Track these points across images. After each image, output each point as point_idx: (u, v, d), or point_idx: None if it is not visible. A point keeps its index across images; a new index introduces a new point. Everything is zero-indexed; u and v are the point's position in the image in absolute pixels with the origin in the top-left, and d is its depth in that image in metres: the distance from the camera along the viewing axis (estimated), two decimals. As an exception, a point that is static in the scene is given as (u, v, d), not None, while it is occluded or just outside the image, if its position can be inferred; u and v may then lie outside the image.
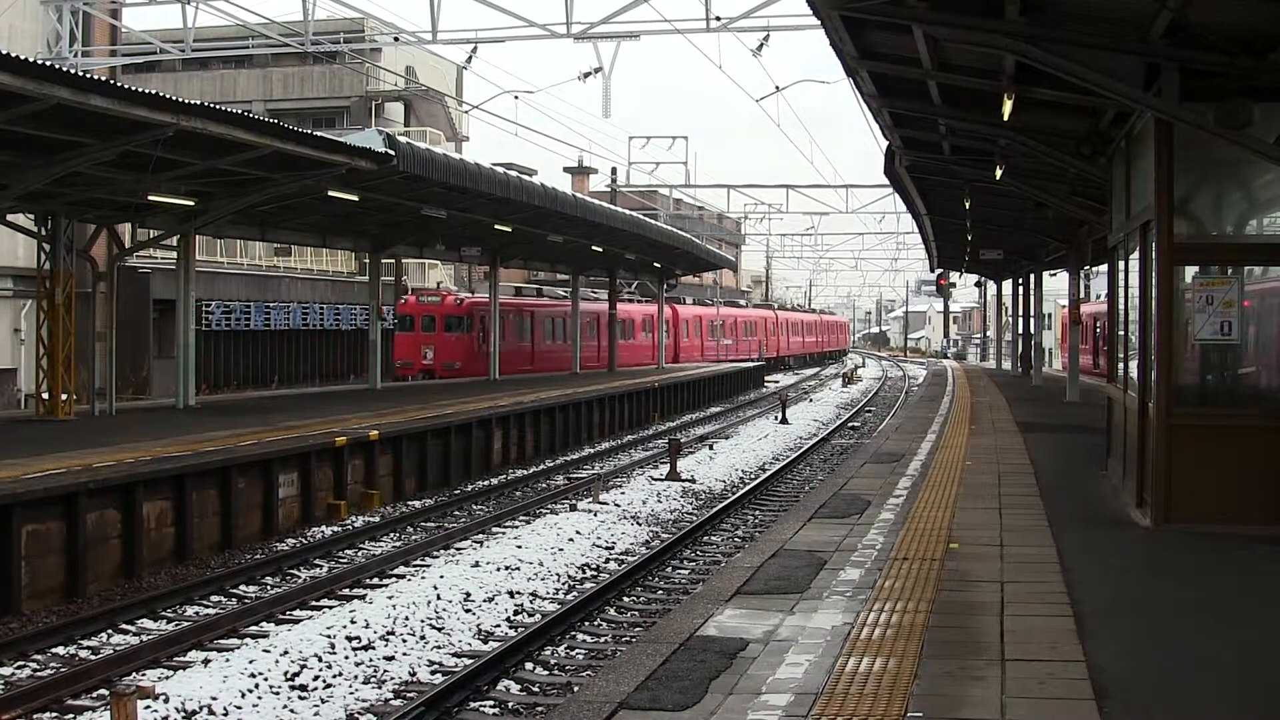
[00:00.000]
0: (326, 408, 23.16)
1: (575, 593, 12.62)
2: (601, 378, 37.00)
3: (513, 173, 25.81)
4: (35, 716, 8.94)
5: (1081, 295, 32.03)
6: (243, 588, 13.21)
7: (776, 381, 56.63)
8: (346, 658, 9.93)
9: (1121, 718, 5.51)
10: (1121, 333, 12.87)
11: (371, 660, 9.95)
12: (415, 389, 31.93)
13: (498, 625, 11.31)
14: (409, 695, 9.19)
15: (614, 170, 52.47)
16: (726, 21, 23.15)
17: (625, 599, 12.51)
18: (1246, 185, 11.02)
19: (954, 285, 70.77)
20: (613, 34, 24.34)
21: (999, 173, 16.04)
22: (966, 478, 13.46)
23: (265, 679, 9.31)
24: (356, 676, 9.59)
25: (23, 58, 13.28)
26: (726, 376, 45.78)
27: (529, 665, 10.08)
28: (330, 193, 21.04)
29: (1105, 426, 14.10)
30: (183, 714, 8.59)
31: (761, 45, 24.07)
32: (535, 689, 9.54)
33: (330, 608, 11.92)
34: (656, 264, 43.50)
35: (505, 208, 26.30)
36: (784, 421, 33.05)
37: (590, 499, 18.26)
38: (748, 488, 19.77)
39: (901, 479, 13.40)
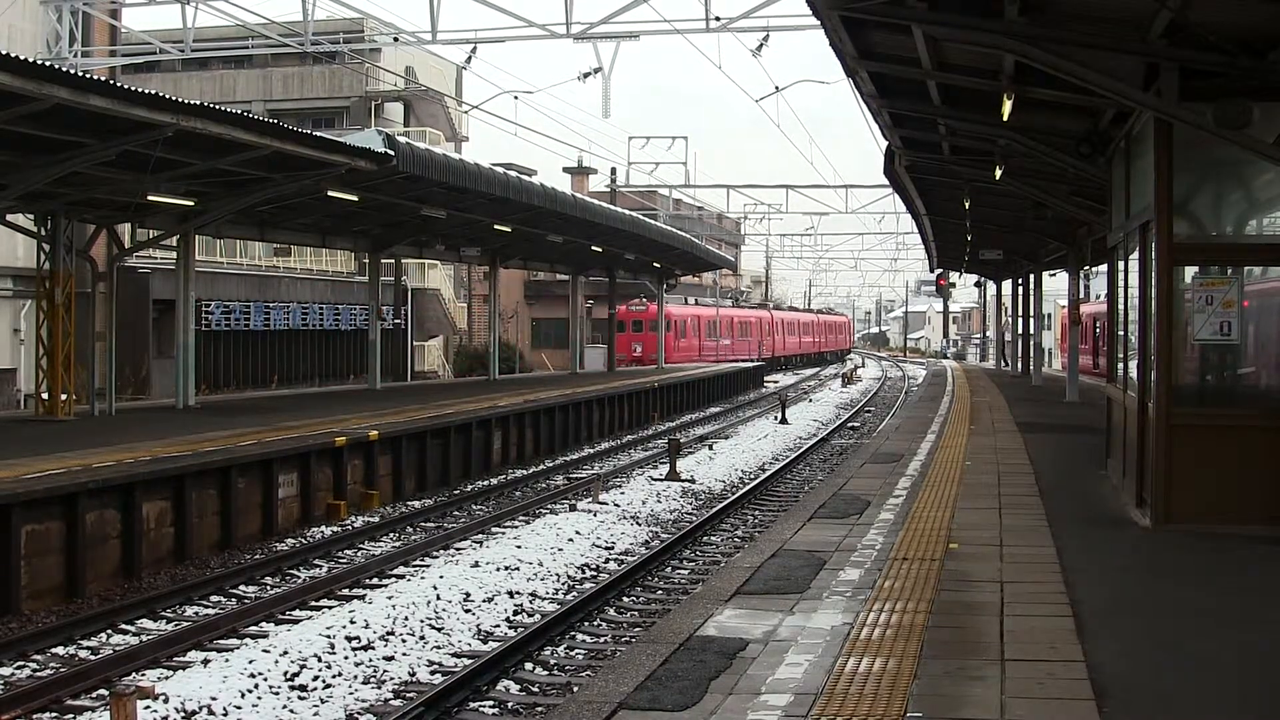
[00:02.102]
0: (326, 408, 23.16)
1: (575, 593, 12.62)
2: (602, 378, 37.06)
3: (512, 173, 25.80)
4: (35, 716, 8.94)
5: (1081, 295, 32.01)
6: (242, 588, 13.21)
7: (776, 381, 56.69)
8: (346, 658, 9.93)
9: (1121, 718, 5.51)
10: (1121, 333, 12.86)
11: (371, 660, 9.95)
12: (415, 389, 31.96)
13: (497, 625, 11.31)
14: (409, 695, 9.19)
15: (613, 170, 52.39)
16: (726, 21, 23.14)
17: (625, 599, 12.51)
18: (1246, 185, 11.02)
19: (954, 285, 70.74)
20: (612, 34, 24.33)
21: (999, 173, 16.03)
22: (966, 478, 13.46)
23: (265, 679, 9.31)
24: (356, 676, 9.58)
25: (23, 58, 13.28)
26: (725, 376, 45.79)
27: (529, 665, 10.08)
28: (330, 193, 21.04)
29: (1105, 426, 14.09)
30: (182, 714, 8.59)
31: (761, 45, 24.09)
32: (535, 689, 9.54)
33: (330, 608, 11.91)
34: (656, 264, 43.53)
35: (505, 208, 26.30)
36: (783, 421, 33.04)
37: (590, 499, 18.25)
38: (747, 488, 19.77)
39: (901, 479, 13.40)
